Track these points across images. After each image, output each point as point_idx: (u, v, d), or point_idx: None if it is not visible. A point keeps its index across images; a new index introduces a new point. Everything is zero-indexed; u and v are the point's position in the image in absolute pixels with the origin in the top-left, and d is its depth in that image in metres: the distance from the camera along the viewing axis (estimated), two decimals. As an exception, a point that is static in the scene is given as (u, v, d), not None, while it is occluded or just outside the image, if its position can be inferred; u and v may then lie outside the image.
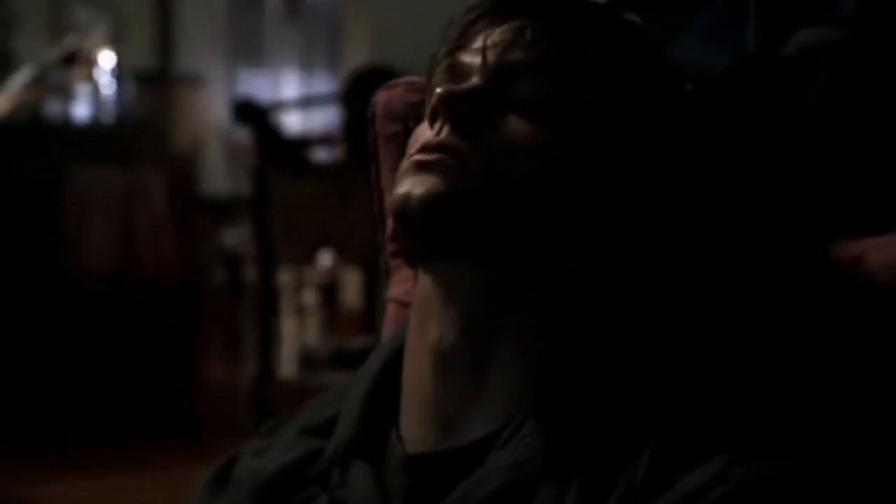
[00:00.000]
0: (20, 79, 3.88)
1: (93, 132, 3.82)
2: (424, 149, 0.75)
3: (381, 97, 0.99)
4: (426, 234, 0.75)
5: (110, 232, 3.54)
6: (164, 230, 3.58)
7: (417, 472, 0.76)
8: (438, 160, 0.75)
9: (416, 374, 0.78)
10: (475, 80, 0.77)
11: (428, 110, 0.77)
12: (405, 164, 0.76)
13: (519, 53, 0.77)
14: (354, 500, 0.77)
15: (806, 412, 0.80)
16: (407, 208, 0.74)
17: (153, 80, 4.44)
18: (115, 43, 4.08)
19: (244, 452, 0.84)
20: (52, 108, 3.80)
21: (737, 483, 0.68)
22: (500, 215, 0.75)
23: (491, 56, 0.77)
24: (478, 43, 0.78)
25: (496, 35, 0.77)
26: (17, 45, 4.25)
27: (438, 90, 0.75)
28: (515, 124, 0.75)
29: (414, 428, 0.77)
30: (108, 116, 3.88)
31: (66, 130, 3.77)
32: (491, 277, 0.76)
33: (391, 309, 0.97)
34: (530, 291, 0.76)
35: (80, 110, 3.82)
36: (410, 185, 0.74)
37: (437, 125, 0.76)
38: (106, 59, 3.97)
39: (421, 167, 0.75)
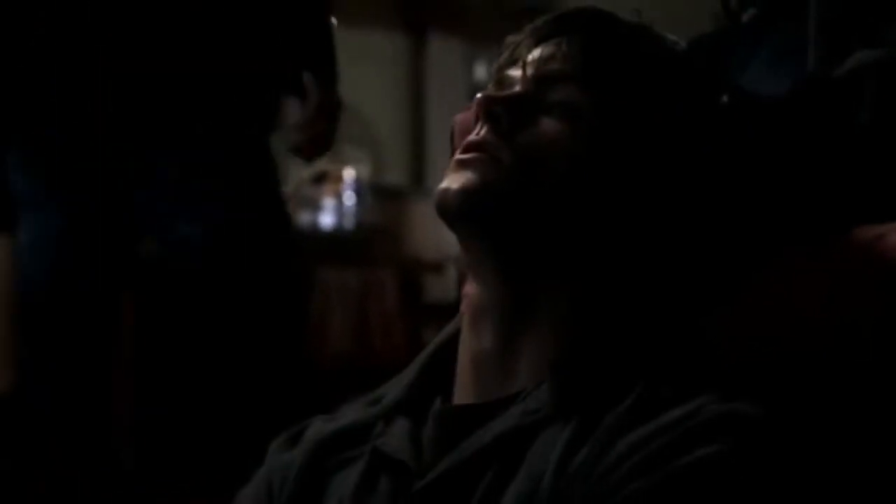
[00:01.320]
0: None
1: (336, 238, 4.10)
2: (464, 148, 0.81)
3: (460, 117, 1.04)
4: (462, 222, 0.80)
5: (347, 322, 3.75)
6: (394, 322, 3.77)
7: (446, 423, 0.80)
8: (475, 158, 0.80)
9: (464, 348, 0.84)
10: (516, 88, 0.83)
11: (472, 116, 0.84)
12: (450, 163, 0.82)
13: (555, 64, 0.82)
14: (389, 448, 0.81)
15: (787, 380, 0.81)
16: (445, 201, 0.80)
17: (397, 194, 4.69)
18: (375, 167, 4.37)
19: (316, 420, 0.89)
20: (303, 217, 4.10)
21: (711, 416, 0.70)
22: (528, 203, 0.79)
23: (531, 68, 0.83)
24: (522, 58, 0.84)
25: (537, 51, 0.84)
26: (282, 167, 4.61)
27: (478, 95, 0.82)
28: (547, 125, 0.80)
29: (460, 392, 0.83)
30: (349, 224, 4.16)
31: (314, 236, 4.05)
32: (518, 259, 0.80)
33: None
34: (556, 272, 0.80)
35: (326, 219, 4.11)
36: (449, 181, 0.80)
37: (478, 127, 0.82)
38: (349, 176, 4.27)
39: (460, 165, 0.80)
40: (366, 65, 7.24)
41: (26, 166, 1.97)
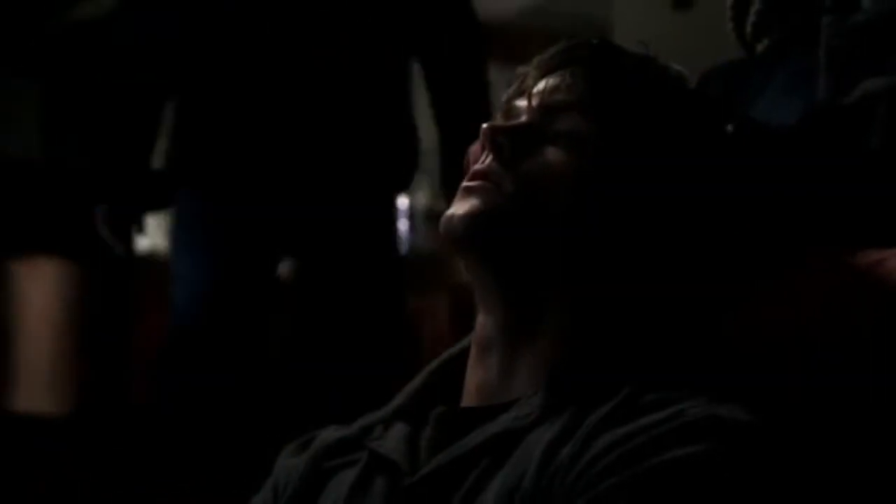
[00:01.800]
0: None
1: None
2: (470, 177, 0.83)
3: (474, 147, 1.10)
4: (466, 247, 0.83)
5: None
6: (446, 346, 3.79)
7: (444, 424, 0.82)
8: (479, 185, 0.82)
9: (471, 356, 0.86)
10: (522, 118, 0.84)
11: (479, 146, 0.85)
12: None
13: (559, 95, 0.84)
14: (384, 449, 0.83)
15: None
16: (450, 226, 0.82)
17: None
18: (431, 194, 4.42)
19: (328, 428, 0.91)
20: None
21: (692, 418, 0.70)
22: (530, 228, 0.81)
23: (536, 99, 0.84)
24: (528, 89, 0.85)
25: (543, 82, 0.85)
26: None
27: (484, 126, 0.83)
28: (551, 154, 0.82)
29: (465, 400, 0.85)
30: (403, 250, 4.20)
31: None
32: (521, 282, 0.82)
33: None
34: (557, 295, 0.82)
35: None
36: (455, 208, 0.83)
37: (483, 155, 0.84)
38: (403, 204, 4.31)
39: (465, 192, 0.83)
40: (422, 93, 7.31)
41: (197, 204, 2.12)
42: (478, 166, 0.84)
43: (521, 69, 0.88)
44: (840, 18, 1.09)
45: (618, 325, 0.82)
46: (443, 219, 0.83)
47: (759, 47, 1.19)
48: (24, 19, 6.95)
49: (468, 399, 0.85)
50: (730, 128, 0.92)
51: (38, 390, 2.27)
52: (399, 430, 0.85)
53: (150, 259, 4.13)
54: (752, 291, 0.88)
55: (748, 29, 1.19)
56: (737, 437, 0.70)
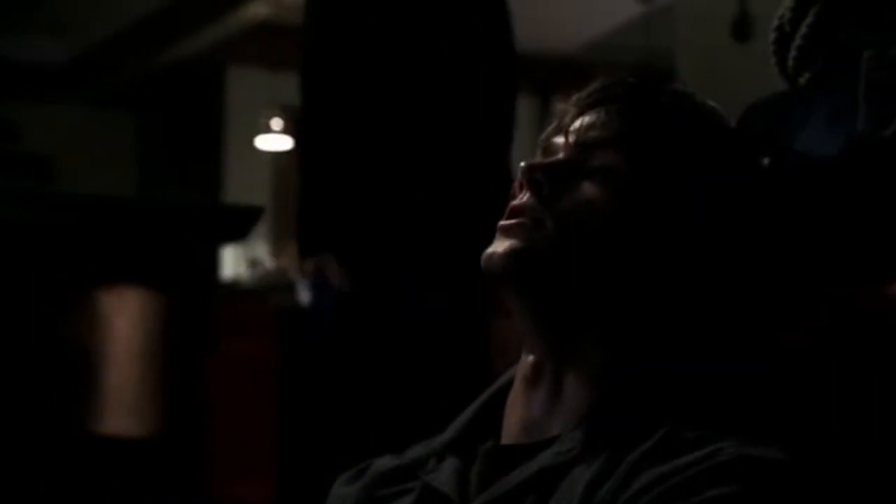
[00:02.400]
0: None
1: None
2: (509, 214, 0.85)
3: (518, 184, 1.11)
4: (507, 284, 0.83)
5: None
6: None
7: (492, 460, 0.84)
8: (517, 223, 0.83)
9: (514, 391, 0.87)
10: (559, 155, 0.86)
11: (517, 184, 0.87)
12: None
13: (595, 132, 0.85)
14: (437, 482, 0.85)
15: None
16: (490, 265, 0.83)
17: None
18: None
19: (384, 457, 0.92)
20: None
21: (727, 458, 0.72)
22: (568, 263, 0.82)
23: (573, 136, 0.85)
24: (565, 126, 0.87)
25: (580, 120, 0.86)
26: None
27: (522, 164, 0.85)
28: (587, 189, 0.83)
29: (508, 434, 0.86)
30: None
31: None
32: (560, 318, 0.83)
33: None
34: (596, 329, 0.83)
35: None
36: (495, 246, 0.84)
37: (522, 193, 0.85)
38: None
39: (504, 231, 0.84)
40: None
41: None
42: (516, 203, 0.85)
43: (560, 107, 0.90)
44: (880, 52, 1.09)
45: (655, 359, 0.83)
46: (483, 256, 0.84)
47: (802, 80, 1.18)
48: (124, 58, 7.15)
49: (511, 433, 0.86)
50: (766, 161, 0.93)
51: (122, 414, 2.33)
52: (451, 463, 0.86)
53: (231, 287, 4.22)
54: (784, 325, 0.88)
55: (790, 63, 1.18)
56: (769, 477, 0.71)
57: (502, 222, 0.85)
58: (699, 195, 0.84)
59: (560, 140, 0.87)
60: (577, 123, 0.86)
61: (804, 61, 1.16)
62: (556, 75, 7.21)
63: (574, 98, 0.89)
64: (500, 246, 0.84)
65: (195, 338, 2.41)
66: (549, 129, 0.89)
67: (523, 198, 0.85)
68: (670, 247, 0.83)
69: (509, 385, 0.90)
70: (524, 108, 7.37)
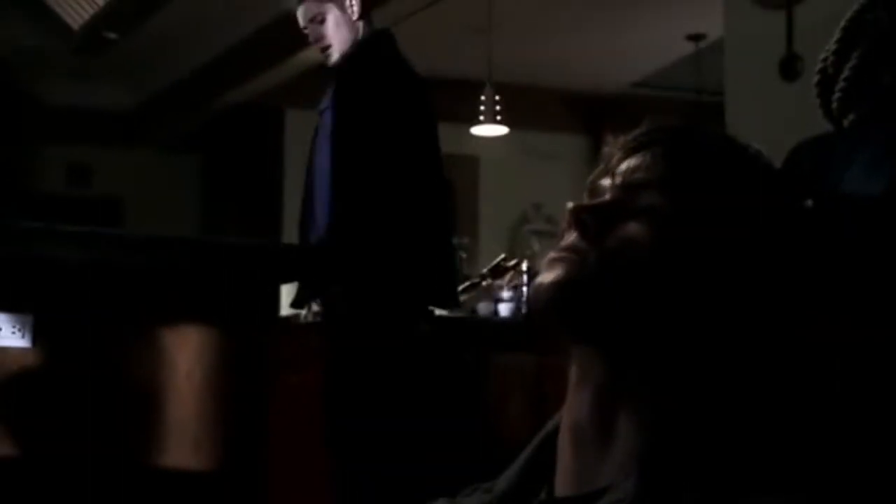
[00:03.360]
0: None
1: (514, 325, 4.13)
2: (556, 250, 0.85)
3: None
4: (552, 314, 0.83)
5: (525, 406, 3.76)
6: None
7: None
8: (564, 256, 0.84)
9: (562, 440, 0.86)
10: (605, 196, 0.86)
11: (565, 225, 0.87)
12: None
13: (641, 174, 0.85)
14: None
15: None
16: (536, 294, 0.84)
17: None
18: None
19: (440, 501, 0.92)
20: (483, 307, 4.17)
21: None
22: (612, 297, 0.81)
23: (619, 178, 0.86)
24: (611, 168, 0.87)
25: (626, 163, 0.87)
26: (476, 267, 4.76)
27: (569, 204, 0.85)
28: (633, 228, 0.83)
29: (560, 479, 0.86)
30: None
31: (493, 324, 4.10)
32: (610, 359, 0.82)
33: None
34: (644, 374, 0.82)
35: (504, 308, 4.16)
36: (541, 277, 0.84)
37: (569, 232, 0.86)
38: (526, 267, 4.32)
39: (550, 262, 0.84)
40: (549, 164, 7.37)
41: None
42: (563, 242, 0.86)
43: (606, 150, 0.90)
44: (924, 94, 1.08)
45: (705, 404, 0.81)
46: (531, 288, 0.85)
47: (846, 122, 1.17)
48: (187, 103, 7.27)
49: (562, 482, 0.85)
50: (809, 203, 0.92)
51: (184, 449, 2.34)
52: None
53: (289, 323, 4.24)
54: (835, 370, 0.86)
55: (834, 104, 1.17)
56: None
57: (549, 256, 0.86)
58: (739, 234, 0.84)
59: (606, 182, 0.88)
60: (623, 166, 0.87)
61: (847, 103, 1.15)
62: (607, 113, 7.21)
63: (620, 141, 0.89)
64: (546, 277, 0.84)
65: (255, 373, 2.43)
66: (596, 171, 0.90)
67: (570, 237, 0.86)
68: (713, 286, 0.82)
69: (556, 430, 0.89)
70: (575, 144, 7.39)
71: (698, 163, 0.86)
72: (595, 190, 0.89)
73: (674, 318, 0.82)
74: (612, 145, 0.90)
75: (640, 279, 0.82)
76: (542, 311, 0.84)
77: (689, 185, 0.84)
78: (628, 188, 0.86)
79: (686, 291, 0.82)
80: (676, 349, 0.82)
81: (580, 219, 0.85)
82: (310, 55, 5.75)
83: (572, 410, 0.85)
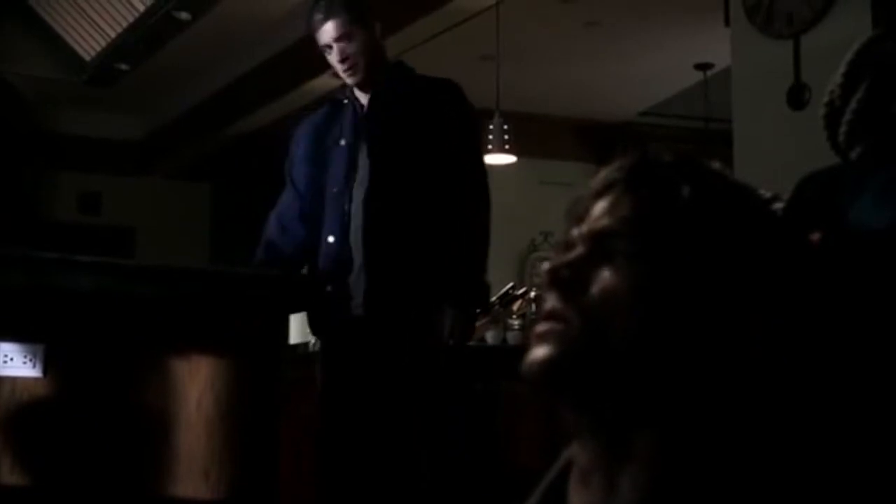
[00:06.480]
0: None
1: (522, 353, 4.13)
2: (541, 319, 0.84)
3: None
4: (547, 390, 0.83)
5: (536, 434, 3.75)
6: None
7: None
8: (548, 330, 0.83)
9: (573, 476, 0.86)
10: (579, 249, 0.84)
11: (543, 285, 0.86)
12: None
13: (605, 220, 0.84)
14: None
15: None
16: (530, 372, 0.83)
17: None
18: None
19: None
20: (492, 335, 4.17)
21: None
22: (601, 360, 0.81)
23: (586, 226, 0.84)
24: (580, 216, 0.86)
25: (593, 209, 0.85)
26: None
27: (543, 265, 0.85)
28: (606, 278, 0.82)
29: None
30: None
31: (502, 351, 4.10)
32: (602, 413, 0.82)
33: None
34: (641, 418, 0.81)
35: (511, 336, 4.16)
36: (532, 354, 0.83)
37: (549, 293, 0.84)
38: (532, 296, 4.32)
39: (537, 337, 0.84)
40: (558, 192, 7.37)
41: None
42: (545, 307, 0.85)
43: (576, 197, 0.89)
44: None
45: (708, 445, 0.81)
46: (523, 362, 0.84)
47: (853, 154, 1.17)
48: (196, 132, 7.32)
49: None
50: (816, 236, 0.91)
51: (194, 477, 2.34)
52: None
53: (297, 351, 4.24)
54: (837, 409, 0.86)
55: (841, 137, 1.17)
56: None
57: (536, 329, 0.85)
58: (722, 276, 0.81)
59: (577, 232, 0.86)
60: (593, 213, 0.85)
61: (855, 135, 1.15)
62: (616, 141, 7.23)
63: (589, 190, 0.88)
64: (535, 354, 0.84)
65: (265, 402, 2.43)
66: (570, 221, 0.88)
67: (551, 300, 0.84)
68: (699, 328, 0.81)
69: (569, 467, 0.88)
70: (584, 172, 7.39)
71: (656, 201, 0.83)
72: (568, 242, 0.87)
73: (666, 365, 0.81)
74: (581, 194, 0.88)
75: (624, 333, 0.81)
76: (538, 386, 0.84)
77: (651, 224, 0.82)
78: (597, 236, 0.84)
79: (671, 336, 0.81)
80: (674, 395, 0.81)
81: (555, 279, 0.84)
82: (318, 84, 5.80)
83: (578, 457, 0.86)
